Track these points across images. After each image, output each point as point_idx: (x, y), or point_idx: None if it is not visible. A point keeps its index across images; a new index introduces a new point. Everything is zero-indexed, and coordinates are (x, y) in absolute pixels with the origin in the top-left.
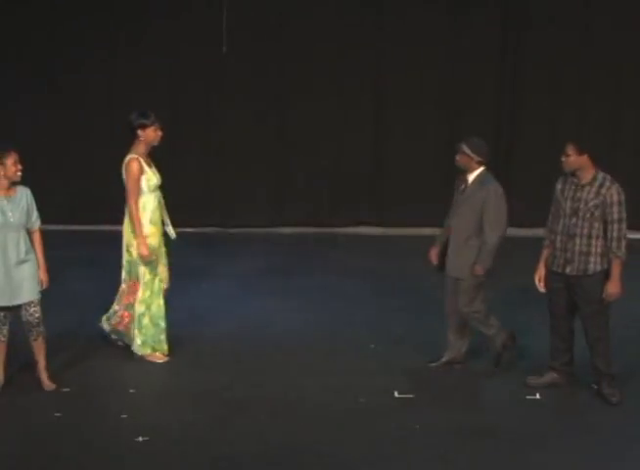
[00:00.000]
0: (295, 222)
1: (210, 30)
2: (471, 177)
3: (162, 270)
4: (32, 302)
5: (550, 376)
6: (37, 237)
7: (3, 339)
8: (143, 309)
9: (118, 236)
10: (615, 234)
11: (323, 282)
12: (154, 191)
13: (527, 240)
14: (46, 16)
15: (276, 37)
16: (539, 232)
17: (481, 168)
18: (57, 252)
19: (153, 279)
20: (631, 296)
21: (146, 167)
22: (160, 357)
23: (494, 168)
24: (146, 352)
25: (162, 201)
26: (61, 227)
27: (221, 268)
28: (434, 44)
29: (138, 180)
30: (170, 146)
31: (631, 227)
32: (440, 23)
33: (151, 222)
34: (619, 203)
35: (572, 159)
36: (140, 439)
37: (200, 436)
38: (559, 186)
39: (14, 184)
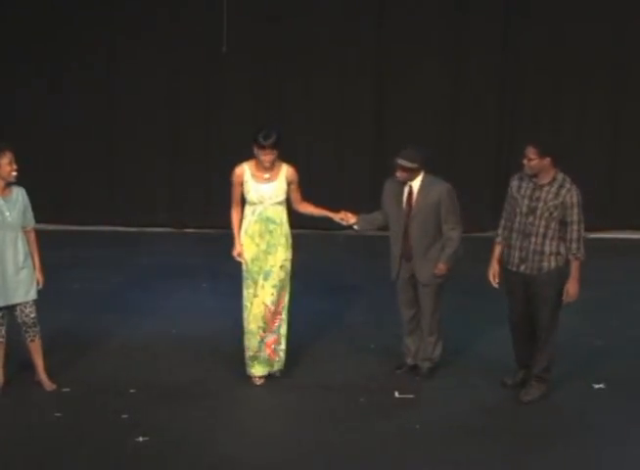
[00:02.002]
0: (295, 224)
1: (210, 30)
2: (415, 184)
3: (263, 290)
4: (28, 302)
5: (522, 373)
6: (32, 236)
7: (1, 339)
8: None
9: (118, 237)
10: (574, 235)
11: (324, 282)
12: (252, 204)
13: None
14: (46, 15)
15: (276, 37)
16: None
17: (422, 173)
18: (56, 252)
19: (247, 293)
20: (636, 296)
21: (249, 179)
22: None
23: (498, 166)
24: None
25: (270, 217)
26: (60, 227)
27: (220, 268)
28: (434, 43)
29: (235, 187)
30: (171, 146)
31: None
32: (441, 21)
33: (246, 233)
34: (578, 204)
35: (535, 162)
36: (140, 439)
37: (200, 436)
38: (514, 183)
39: (9, 184)
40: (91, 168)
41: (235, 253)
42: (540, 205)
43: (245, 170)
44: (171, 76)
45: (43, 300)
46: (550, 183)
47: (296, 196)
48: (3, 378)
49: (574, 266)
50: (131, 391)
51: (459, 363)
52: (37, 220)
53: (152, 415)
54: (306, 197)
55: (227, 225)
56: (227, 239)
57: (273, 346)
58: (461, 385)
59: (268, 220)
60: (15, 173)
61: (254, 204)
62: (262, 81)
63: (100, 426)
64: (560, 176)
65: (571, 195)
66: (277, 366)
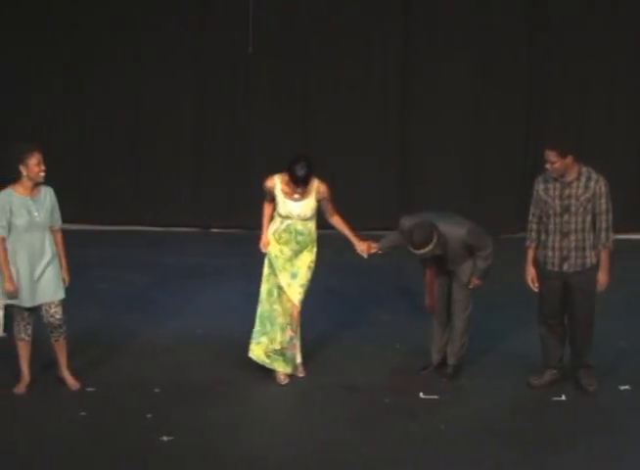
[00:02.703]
0: (321, 224)
1: (236, 31)
2: (436, 249)
3: (291, 288)
4: (53, 302)
5: (549, 374)
6: (59, 236)
7: (28, 338)
8: (261, 307)
9: (143, 237)
10: (603, 225)
11: (348, 282)
12: (281, 216)
13: None
14: (70, 14)
15: (302, 37)
16: None
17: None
18: (81, 251)
19: (269, 275)
20: None
21: (279, 193)
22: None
23: (525, 166)
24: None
25: (298, 230)
26: (84, 227)
27: (244, 268)
28: (460, 43)
29: (267, 190)
30: (196, 146)
31: None
32: (466, 21)
33: (273, 235)
34: (607, 194)
35: (558, 164)
36: (165, 438)
37: (225, 436)
38: (540, 186)
39: (37, 184)
40: (116, 168)
41: (261, 244)
42: (573, 201)
43: (276, 184)
44: (197, 77)
45: (68, 299)
46: (577, 178)
47: (328, 208)
48: (29, 377)
49: (604, 255)
50: (156, 390)
51: (484, 363)
52: (63, 220)
53: (176, 415)
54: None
55: (251, 225)
56: (251, 239)
57: (297, 346)
58: (486, 385)
59: (297, 232)
60: (43, 174)
61: (283, 217)
62: (288, 82)
63: (124, 425)
64: (584, 170)
65: (600, 185)
66: (292, 368)
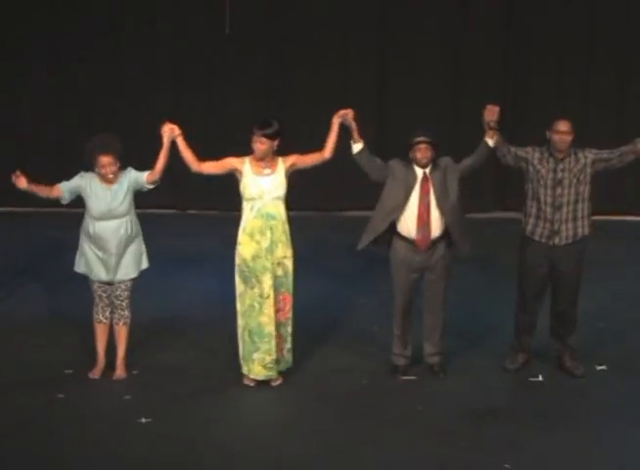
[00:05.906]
0: (301, 206)
1: (213, 12)
2: (428, 168)
3: (267, 287)
4: (121, 284)
5: (522, 357)
6: (154, 174)
7: (105, 321)
8: (243, 323)
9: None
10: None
11: (328, 265)
12: (249, 200)
13: None
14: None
15: (279, 19)
16: None
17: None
18: (60, 234)
19: (245, 291)
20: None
21: (248, 172)
22: (248, 380)
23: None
24: (244, 369)
25: (270, 213)
26: (63, 210)
27: (220, 251)
28: (436, 27)
29: (222, 160)
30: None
31: None
32: (442, 5)
33: (244, 231)
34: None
35: (571, 137)
36: (143, 420)
37: (202, 418)
38: (536, 154)
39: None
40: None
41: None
42: (566, 174)
43: (245, 162)
44: (174, 59)
45: (43, 283)
46: (568, 155)
47: (311, 156)
48: (104, 361)
49: None
50: (134, 372)
51: (461, 345)
52: (40, 204)
53: (155, 397)
54: (311, 180)
55: (228, 207)
56: (228, 221)
57: (281, 346)
58: (463, 367)
59: (268, 216)
60: (111, 176)
61: (253, 199)
62: (265, 64)
63: (103, 407)
64: (571, 149)
65: (586, 154)
66: (283, 366)
